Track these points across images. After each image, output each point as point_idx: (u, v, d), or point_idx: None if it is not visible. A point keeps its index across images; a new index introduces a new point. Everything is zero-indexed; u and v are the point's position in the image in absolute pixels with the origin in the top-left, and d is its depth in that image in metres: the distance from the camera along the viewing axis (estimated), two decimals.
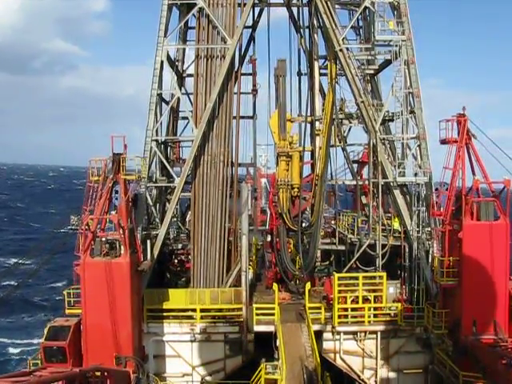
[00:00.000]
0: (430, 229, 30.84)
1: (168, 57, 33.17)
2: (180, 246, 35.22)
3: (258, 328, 29.87)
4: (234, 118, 33.88)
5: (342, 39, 32.26)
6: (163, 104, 34.22)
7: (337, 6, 34.14)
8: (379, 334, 29.95)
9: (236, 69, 33.49)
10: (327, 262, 35.74)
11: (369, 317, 29.99)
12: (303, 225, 37.02)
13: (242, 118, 35.65)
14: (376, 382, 30.18)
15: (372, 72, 36.40)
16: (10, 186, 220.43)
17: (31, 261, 34.69)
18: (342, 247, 34.12)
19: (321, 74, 37.16)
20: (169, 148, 36.27)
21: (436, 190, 29.57)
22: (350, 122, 36.06)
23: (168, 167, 33.23)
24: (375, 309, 30.18)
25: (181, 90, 35.29)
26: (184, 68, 37.42)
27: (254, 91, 38.33)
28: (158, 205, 33.86)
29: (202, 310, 30.06)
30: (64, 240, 28.98)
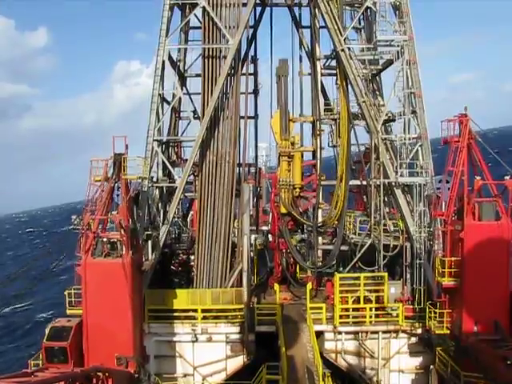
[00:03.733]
0: (431, 229, 30.78)
1: (169, 57, 33.18)
2: (181, 246, 35.21)
3: (259, 328, 29.86)
4: (241, 117, 33.85)
5: (344, 39, 32.25)
6: (165, 104, 34.21)
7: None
8: (380, 334, 29.96)
9: (238, 69, 33.47)
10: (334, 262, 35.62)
11: (370, 317, 29.99)
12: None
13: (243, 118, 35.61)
14: (377, 382, 30.18)
15: (374, 72, 36.39)
16: None
17: None
18: (345, 247, 34.12)
19: (322, 74, 37.11)
20: (170, 148, 36.25)
21: (438, 189, 29.54)
22: (351, 122, 36.01)
23: (169, 167, 33.24)
24: (377, 309, 30.17)
25: (182, 90, 35.31)
26: (186, 68, 37.37)
27: (256, 91, 38.37)
28: (159, 205, 33.88)
29: (204, 311, 30.05)
30: None
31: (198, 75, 34.56)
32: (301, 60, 38.88)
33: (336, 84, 35.60)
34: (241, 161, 34.93)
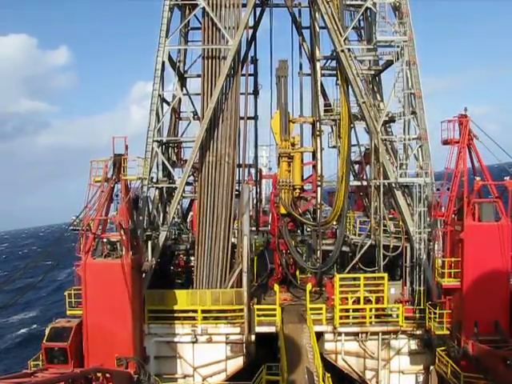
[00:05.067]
0: (431, 229, 30.79)
1: (169, 57, 33.20)
2: (181, 246, 35.21)
3: (259, 329, 29.85)
4: (241, 118, 33.86)
5: (344, 40, 32.27)
6: (164, 105, 34.22)
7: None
8: (380, 334, 29.95)
9: (237, 69, 33.48)
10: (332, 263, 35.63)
11: (370, 318, 29.98)
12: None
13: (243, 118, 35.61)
14: (377, 383, 30.16)
15: (373, 73, 36.40)
16: None
17: None
18: (345, 248, 34.13)
19: (322, 75, 37.12)
20: (170, 149, 36.26)
21: (437, 190, 29.55)
22: (352, 123, 36.03)
23: (169, 168, 33.25)
24: (377, 310, 30.17)
25: (182, 90, 35.33)
26: (186, 69, 37.38)
27: (256, 92, 38.38)
28: (159, 206, 33.87)
29: (204, 311, 30.05)
30: None
31: (198, 76, 34.59)
32: (300, 61, 38.91)
33: (336, 84, 35.64)
34: (240, 161, 34.95)
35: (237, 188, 34.08)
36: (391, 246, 32.00)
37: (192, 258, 34.73)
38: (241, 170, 35.33)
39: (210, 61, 32.45)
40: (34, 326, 66.80)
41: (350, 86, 33.00)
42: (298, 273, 37.52)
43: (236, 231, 33.74)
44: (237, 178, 34.12)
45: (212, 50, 32.41)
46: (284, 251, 36.27)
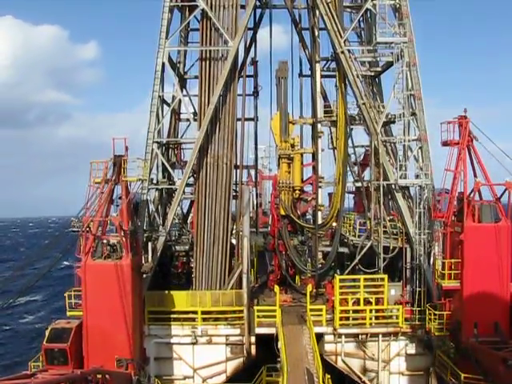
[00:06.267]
0: (431, 231, 30.79)
1: (169, 59, 33.21)
2: (181, 247, 35.20)
3: (259, 330, 29.84)
4: (238, 120, 33.89)
5: (344, 41, 32.28)
6: (165, 106, 34.24)
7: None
8: (380, 336, 29.94)
9: (237, 71, 33.50)
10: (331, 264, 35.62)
11: (370, 319, 29.97)
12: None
13: (245, 119, 35.64)
14: None
15: (373, 74, 36.41)
16: None
17: None
18: (344, 249, 34.12)
19: (322, 76, 37.14)
20: (170, 150, 36.26)
21: (438, 194, 29.53)
22: (352, 124, 36.06)
23: (169, 169, 33.27)
24: (377, 311, 30.16)
25: (182, 92, 35.34)
26: (185, 70, 37.40)
27: (256, 93, 38.38)
28: (159, 207, 33.88)
29: (204, 312, 30.04)
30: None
31: (197, 77, 34.58)
32: (301, 62, 38.96)
33: (335, 86, 35.66)
34: (239, 163, 34.93)
35: (235, 189, 34.08)
36: (390, 247, 32.00)
37: (192, 260, 34.72)
38: (241, 171, 35.28)
39: (208, 62, 32.48)
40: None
41: (350, 88, 33.00)
42: (297, 274, 37.55)
43: (235, 232, 33.73)
44: (236, 179, 34.17)
45: (210, 51, 32.45)
46: (283, 252, 36.30)
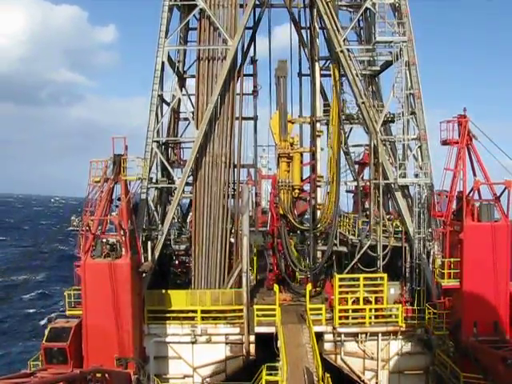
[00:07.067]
0: (430, 230, 30.80)
1: (169, 58, 33.19)
2: (181, 247, 35.18)
3: (258, 329, 29.85)
4: (237, 119, 33.87)
5: (343, 40, 32.26)
6: (164, 105, 34.21)
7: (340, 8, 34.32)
8: (380, 335, 29.94)
9: (237, 70, 33.47)
10: (328, 263, 35.66)
11: (370, 318, 29.99)
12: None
13: (244, 119, 35.63)
14: (377, 383, 30.14)
15: (373, 73, 36.40)
16: None
17: None
18: (343, 248, 34.12)
19: (321, 75, 37.13)
20: (169, 149, 36.25)
21: (438, 194, 29.53)
22: (351, 123, 36.07)
23: (169, 168, 33.26)
24: (376, 310, 30.17)
25: (182, 91, 35.32)
26: (185, 69, 37.37)
27: (255, 92, 38.32)
28: (158, 206, 33.86)
29: (203, 311, 30.04)
30: None
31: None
32: (300, 61, 38.90)
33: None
34: (237, 162, 34.88)
35: (233, 188, 34.06)
36: (389, 246, 32.00)
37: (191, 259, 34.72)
38: (240, 170, 35.24)
39: (206, 62, 32.49)
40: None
41: (349, 87, 32.99)
42: (297, 273, 37.56)
43: (233, 231, 33.71)
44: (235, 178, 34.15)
45: (208, 50, 32.44)
46: (282, 252, 36.31)
